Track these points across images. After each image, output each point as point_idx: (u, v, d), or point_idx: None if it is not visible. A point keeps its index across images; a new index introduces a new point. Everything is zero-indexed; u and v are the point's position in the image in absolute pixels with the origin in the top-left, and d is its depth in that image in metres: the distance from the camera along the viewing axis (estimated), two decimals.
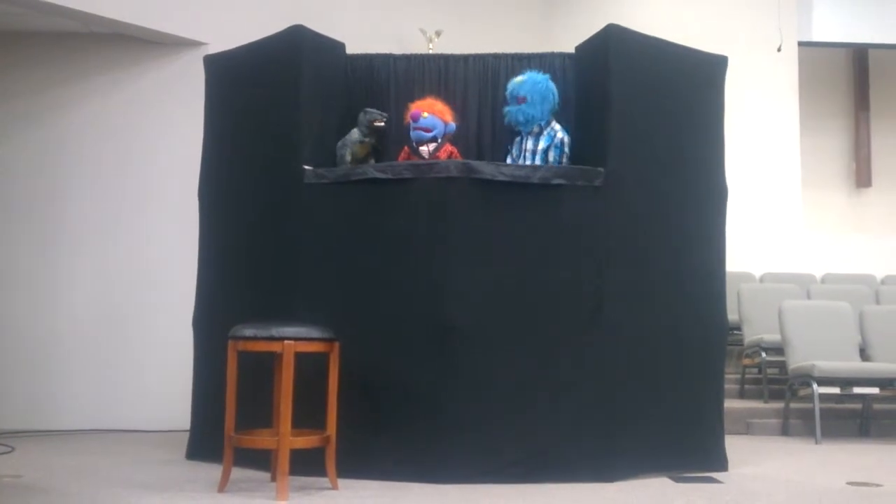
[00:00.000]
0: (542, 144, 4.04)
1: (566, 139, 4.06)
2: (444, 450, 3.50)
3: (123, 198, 5.58)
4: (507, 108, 4.09)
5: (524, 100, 4.01)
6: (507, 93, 4.11)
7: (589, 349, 3.63)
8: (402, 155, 4.12)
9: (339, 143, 4.06)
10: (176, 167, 5.28)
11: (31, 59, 5.69)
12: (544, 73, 4.14)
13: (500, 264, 3.63)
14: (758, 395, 6.31)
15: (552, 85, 4.07)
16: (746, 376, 6.55)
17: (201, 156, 4.37)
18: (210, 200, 4.29)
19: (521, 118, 4.02)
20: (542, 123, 4.06)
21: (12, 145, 5.64)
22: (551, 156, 4.04)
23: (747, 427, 5.67)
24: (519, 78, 4.08)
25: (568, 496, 3.31)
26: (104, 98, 5.67)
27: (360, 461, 3.47)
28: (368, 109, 4.07)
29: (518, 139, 4.14)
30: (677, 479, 3.68)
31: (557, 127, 4.09)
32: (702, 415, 3.95)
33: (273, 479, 3.38)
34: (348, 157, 4.01)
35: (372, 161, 4.09)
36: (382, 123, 4.05)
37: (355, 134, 4.05)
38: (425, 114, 3.99)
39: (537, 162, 4.00)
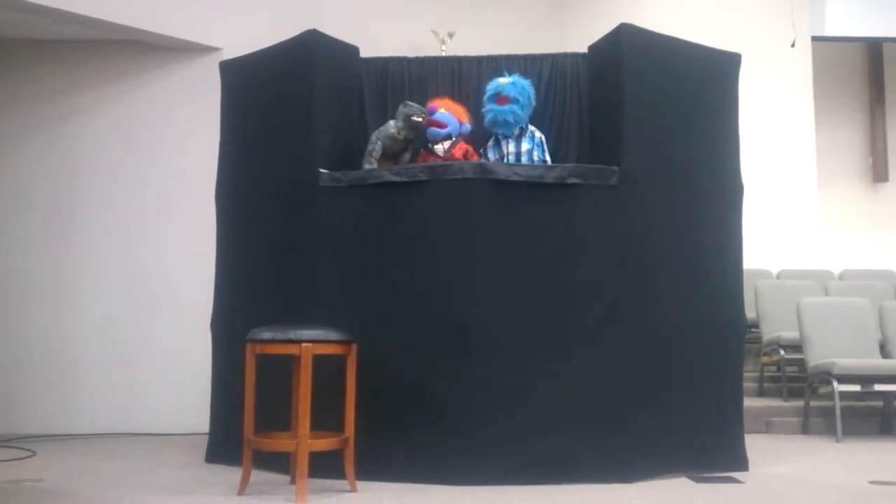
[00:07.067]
0: (525, 146, 4.04)
1: (542, 136, 4.09)
2: (462, 451, 3.50)
3: (141, 202, 5.63)
4: (491, 107, 4.02)
5: (512, 101, 3.97)
6: (491, 92, 4.04)
7: (605, 348, 3.62)
8: (419, 157, 4.11)
9: (373, 136, 4.04)
10: (192, 172, 5.31)
11: (47, 67, 5.74)
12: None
13: (516, 264, 3.63)
14: (777, 394, 6.26)
15: (533, 90, 4.09)
16: (765, 374, 6.50)
17: (218, 160, 4.39)
18: (227, 204, 4.31)
19: (510, 119, 3.98)
20: (524, 126, 4.06)
21: (30, 152, 5.69)
22: (536, 155, 4.05)
23: (767, 426, 5.63)
24: (504, 79, 4.04)
25: (587, 497, 3.30)
26: (120, 104, 5.72)
27: (377, 463, 3.48)
28: (409, 102, 4.02)
29: (494, 143, 4.12)
30: (697, 480, 3.66)
31: (532, 127, 4.10)
32: (721, 414, 3.93)
33: (292, 481, 3.39)
34: (379, 150, 3.98)
35: (408, 157, 4.06)
36: (420, 119, 3.98)
37: (391, 127, 4.01)
38: (441, 109, 3.98)
39: (524, 163, 3.99)
